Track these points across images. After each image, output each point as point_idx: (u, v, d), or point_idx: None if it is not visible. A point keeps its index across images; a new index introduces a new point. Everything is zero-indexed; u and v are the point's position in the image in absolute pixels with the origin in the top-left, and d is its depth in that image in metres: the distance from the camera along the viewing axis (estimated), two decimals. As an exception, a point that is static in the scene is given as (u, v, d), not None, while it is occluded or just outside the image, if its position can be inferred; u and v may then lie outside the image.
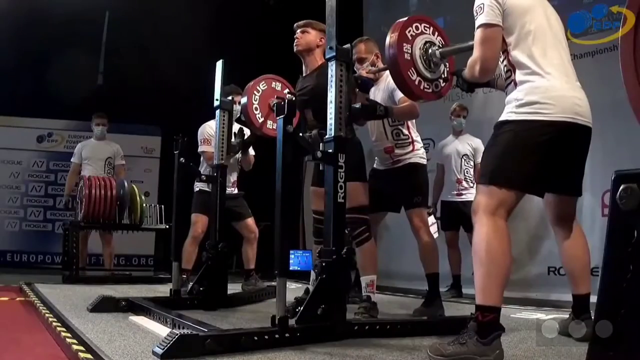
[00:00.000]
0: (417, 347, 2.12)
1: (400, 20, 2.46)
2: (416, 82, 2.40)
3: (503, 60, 2.11)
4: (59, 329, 2.40)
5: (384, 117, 2.89)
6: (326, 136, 2.33)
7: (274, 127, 3.40)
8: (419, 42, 2.42)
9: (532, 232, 4.54)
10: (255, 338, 2.03)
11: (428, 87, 2.43)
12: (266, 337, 2.05)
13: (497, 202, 1.94)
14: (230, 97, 3.62)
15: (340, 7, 2.35)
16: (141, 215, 5.34)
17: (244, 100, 3.48)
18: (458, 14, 5.09)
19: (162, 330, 2.30)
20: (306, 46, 3.07)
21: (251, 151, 4.34)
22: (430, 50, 2.42)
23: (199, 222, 4.24)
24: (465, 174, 4.54)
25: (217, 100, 3.45)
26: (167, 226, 5.29)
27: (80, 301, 3.31)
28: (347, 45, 2.36)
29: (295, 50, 3.09)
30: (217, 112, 3.46)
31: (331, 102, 2.32)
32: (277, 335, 2.08)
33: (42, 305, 3.15)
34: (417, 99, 2.56)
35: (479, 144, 4.49)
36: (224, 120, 3.45)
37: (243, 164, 4.40)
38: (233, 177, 4.41)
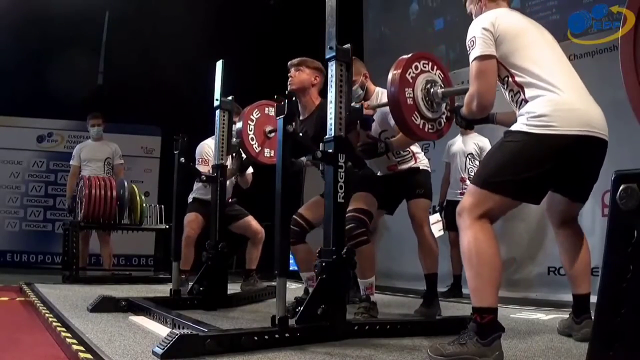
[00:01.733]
0: (417, 347, 2.12)
1: (401, 58, 2.43)
2: (420, 126, 2.41)
3: (507, 87, 2.08)
4: (59, 329, 2.40)
5: (386, 153, 2.88)
6: (326, 136, 2.34)
7: (271, 155, 3.48)
8: (420, 82, 2.40)
9: (532, 232, 4.54)
10: (255, 338, 2.03)
11: (431, 127, 2.45)
12: (266, 337, 2.05)
13: (486, 208, 1.91)
14: (230, 97, 3.62)
15: (340, 7, 2.35)
16: (141, 215, 5.34)
17: (239, 125, 3.51)
18: (458, 14, 5.10)
19: (162, 330, 2.30)
20: (300, 85, 3.03)
21: (249, 169, 4.32)
22: (432, 90, 2.41)
23: (191, 222, 4.20)
24: (470, 173, 4.54)
25: (217, 100, 3.45)
26: (167, 226, 5.29)
27: (80, 301, 3.31)
28: (347, 45, 2.36)
29: (288, 89, 3.04)
30: (217, 112, 3.46)
31: (331, 102, 2.32)
32: (277, 335, 2.08)
33: (42, 305, 3.15)
34: (420, 140, 2.57)
35: (486, 143, 4.48)
36: (224, 120, 3.45)
37: (241, 183, 4.35)
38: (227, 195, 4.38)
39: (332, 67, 2.34)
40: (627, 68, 1.98)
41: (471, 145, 4.59)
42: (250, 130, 3.49)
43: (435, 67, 2.50)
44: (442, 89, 2.43)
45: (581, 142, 1.91)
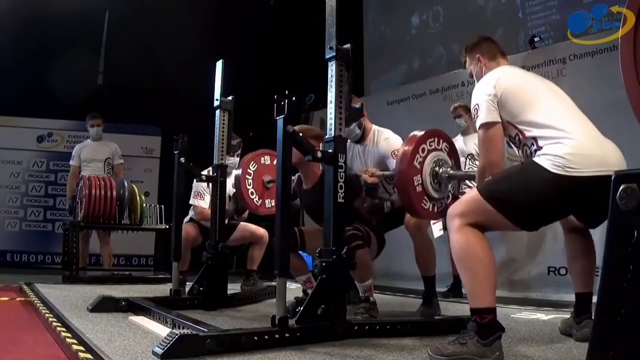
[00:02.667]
0: (417, 347, 2.12)
1: (413, 135, 2.43)
2: (429, 209, 2.43)
3: (519, 144, 2.07)
4: (59, 329, 2.40)
5: (392, 210, 2.88)
6: (326, 136, 2.34)
7: (271, 206, 3.54)
8: (428, 164, 2.40)
9: (532, 232, 4.53)
10: (255, 338, 2.03)
11: (440, 205, 2.47)
12: (266, 337, 2.06)
13: (480, 219, 1.91)
14: (230, 97, 3.62)
15: (340, 7, 2.35)
16: (141, 215, 5.34)
17: (237, 172, 3.56)
18: (458, 15, 5.10)
19: (162, 330, 2.30)
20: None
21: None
22: (440, 171, 2.43)
23: (188, 227, 4.14)
24: None
25: (217, 100, 3.45)
26: (167, 226, 5.29)
27: (80, 301, 3.31)
28: (347, 45, 2.36)
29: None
30: (217, 112, 3.46)
31: (331, 102, 2.32)
32: (277, 335, 2.08)
33: (42, 305, 3.15)
34: (423, 218, 2.63)
35: None
36: (224, 120, 3.45)
37: (237, 218, 4.32)
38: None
39: (332, 67, 2.34)
40: (627, 68, 1.98)
41: (472, 145, 4.57)
42: (249, 185, 3.54)
43: (441, 141, 2.51)
44: (449, 172, 2.44)
45: (599, 181, 1.85)
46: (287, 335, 2.10)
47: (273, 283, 3.47)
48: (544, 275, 4.43)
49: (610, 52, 3.99)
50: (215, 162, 3.46)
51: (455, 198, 2.58)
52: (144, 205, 5.43)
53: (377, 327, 2.40)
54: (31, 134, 7.45)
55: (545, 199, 1.89)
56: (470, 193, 2.00)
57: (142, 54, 7.04)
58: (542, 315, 3.17)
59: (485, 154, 2.06)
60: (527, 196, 1.89)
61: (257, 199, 3.57)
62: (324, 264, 2.25)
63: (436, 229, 4.33)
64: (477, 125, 2.07)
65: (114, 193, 5.11)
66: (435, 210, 2.46)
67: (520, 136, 2.04)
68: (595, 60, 4.22)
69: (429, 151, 2.43)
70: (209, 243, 3.37)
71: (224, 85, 3.46)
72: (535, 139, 1.99)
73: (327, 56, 2.35)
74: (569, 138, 1.91)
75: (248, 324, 2.73)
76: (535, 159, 1.93)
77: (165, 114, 6.95)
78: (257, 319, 2.87)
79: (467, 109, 4.62)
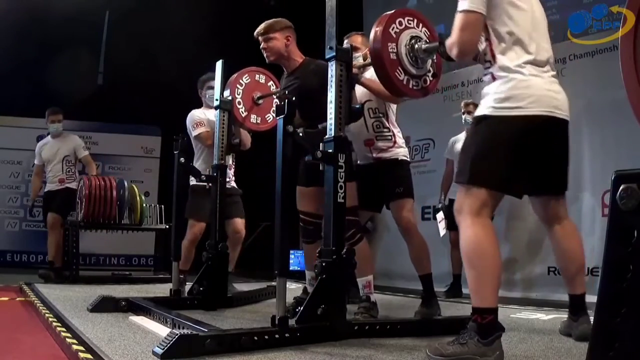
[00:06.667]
0: (417, 347, 2.12)
1: (385, 14, 2.40)
2: (404, 82, 2.38)
3: (485, 48, 2.05)
4: (59, 329, 2.40)
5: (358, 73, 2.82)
6: (326, 136, 2.34)
7: (257, 121, 3.52)
8: (404, 38, 2.37)
9: (532, 232, 4.53)
10: (255, 338, 2.03)
11: (415, 84, 2.42)
12: (266, 337, 2.06)
13: (480, 201, 1.91)
14: (230, 97, 3.61)
15: (340, 7, 2.35)
16: (141, 215, 5.35)
17: (226, 93, 3.49)
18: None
19: (162, 330, 2.30)
20: (277, 54, 3.01)
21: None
22: (416, 46, 2.38)
23: (195, 226, 4.05)
24: None
25: (217, 100, 3.45)
26: (167, 226, 5.29)
27: (80, 301, 3.31)
28: (347, 46, 2.36)
29: (267, 62, 3.03)
30: (217, 112, 3.46)
31: (331, 102, 2.32)
32: (277, 335, 2.08)
33: (42, 305, 3.15)
34: (404, 96, 2.54)
35: None
36: (223, 120, 3.45)
37: (241, 145, 4.08)
38: (229, 161, 4.09)
39: (332, 67, 2.34)
40: (627, 68, 1.98)
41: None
42: (238, 94, 3.48)
43: (420, 24, 2.47)
44: (426, 45, 2.38)
45: (546, 123, 1.93)
46: (287, 335, 2.10)
47: (273, 283, 3.47)
48: (544, 275, 4.44)
49: (610, 52, 3.99)
50: (215, 162, 3.46)
51: (435, 77, 2.54)
52: (144, 205, 5.44)
53: (377, 327, 2.40)
54: (31, 134, 7.43)
55: (509, 150, 1.90)
56: (459, 186, 2.01)
57: (142, 54, 7.04)
58: (542, 315, 3.17)
59: (459, 35, 1.97)
60: (494, 157, 1.91)
61: (243, 109, 3.51)
62: (324, 264, 2.25)
63: (440, 227, 4.33)
64: (460, 8, 1.97)
65: (114, 193, 5.11)
66: (411, 85, 2.40)
67: (487, 44, 2.02)
68: (595, 60, 4.22)
69: (407, 27, 2.39)
70: (209, 243, 3.37)
71: (224, 85, 3.46)
72: (494, 59, 1.99)
73: (327, 56, 2.36)
74: (523, 75, 1.94)
75: (248, 324, 2.73)
76: (480, 112, 1.97)
77: (165, 114, 6.94)
78: (257, 319, 2.87)
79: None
